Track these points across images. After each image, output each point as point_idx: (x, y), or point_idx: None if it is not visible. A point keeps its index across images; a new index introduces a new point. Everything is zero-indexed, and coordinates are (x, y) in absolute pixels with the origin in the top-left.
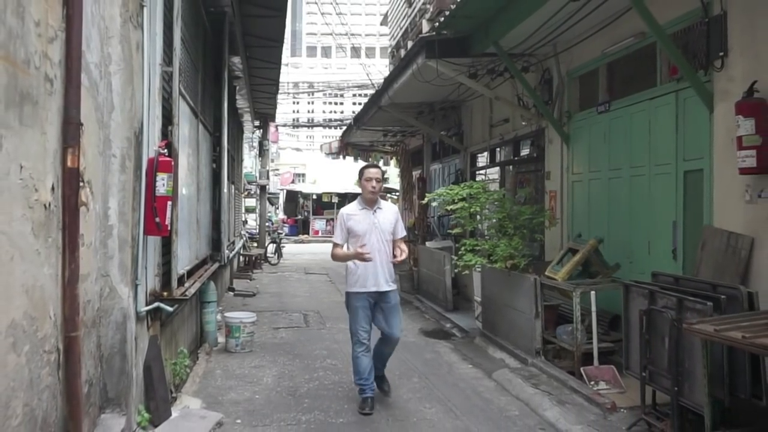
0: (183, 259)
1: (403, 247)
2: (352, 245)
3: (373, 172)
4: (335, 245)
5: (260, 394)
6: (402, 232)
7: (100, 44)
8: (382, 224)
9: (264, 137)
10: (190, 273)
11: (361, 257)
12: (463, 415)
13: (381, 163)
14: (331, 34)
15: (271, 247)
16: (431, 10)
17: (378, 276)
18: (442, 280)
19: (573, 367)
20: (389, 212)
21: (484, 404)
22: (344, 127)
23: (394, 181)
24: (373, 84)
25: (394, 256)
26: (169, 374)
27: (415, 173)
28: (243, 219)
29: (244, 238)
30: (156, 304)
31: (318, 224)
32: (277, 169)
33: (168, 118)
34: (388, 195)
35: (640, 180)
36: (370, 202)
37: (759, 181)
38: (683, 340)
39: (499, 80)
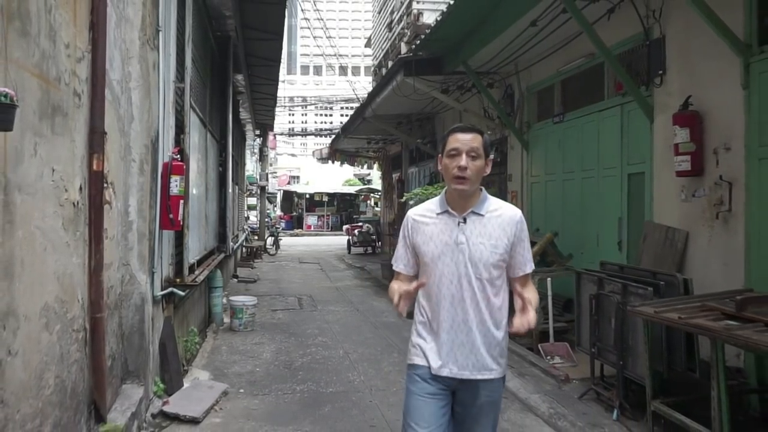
0: (193, 250)
1: (531, 297)
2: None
3: (464, 140)
4: (396, 275)
5: (260, 368)
6: (526, 266)
7: (121, 63)
8: (476, 245)
9: (263, 144)
10: (200, 262)
11: (397, 307)
12: None
13: (365, 168)
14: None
15: (269, 240)
16: (409, 34)
17: (465, 346)
18: None
19: (532, 344)
20: (497, 221)
21: None
22: (333, 136)
23: (377, 182)
24: (358, 98)
25: (511, 322)
26: (182, 350)
27: (395, 175)
28: (245, 215)
29: (247, 232)
30: (170, 289)
31: (311, 220)
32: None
33: (180, 128)
34: (372, 195)
35: (590, 181)
36: (456, 199)
37: (693, 182)
38: (627, 321)
39: (468, 95)
